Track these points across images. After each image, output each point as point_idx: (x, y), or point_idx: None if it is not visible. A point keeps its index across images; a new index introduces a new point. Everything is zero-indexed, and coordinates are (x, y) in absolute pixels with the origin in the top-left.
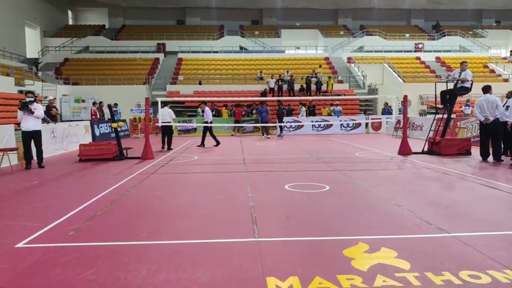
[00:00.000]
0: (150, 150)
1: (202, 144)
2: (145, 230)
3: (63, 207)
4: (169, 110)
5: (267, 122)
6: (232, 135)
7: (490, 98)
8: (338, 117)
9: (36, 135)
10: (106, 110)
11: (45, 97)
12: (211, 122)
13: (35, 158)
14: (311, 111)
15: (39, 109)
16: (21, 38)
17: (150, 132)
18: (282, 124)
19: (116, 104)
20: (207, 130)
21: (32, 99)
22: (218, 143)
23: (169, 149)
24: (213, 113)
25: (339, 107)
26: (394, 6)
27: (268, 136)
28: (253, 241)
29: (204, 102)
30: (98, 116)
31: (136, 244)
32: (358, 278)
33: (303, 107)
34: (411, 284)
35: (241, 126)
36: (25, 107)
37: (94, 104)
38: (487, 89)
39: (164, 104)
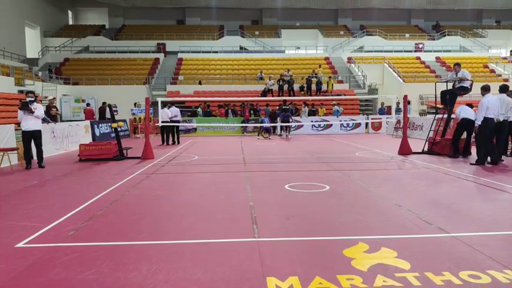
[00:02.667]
0: (150, 150)
1: (178, 141)
2: (145, 230)
3: (63, 207)
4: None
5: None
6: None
7: (505, 98)
8: (338, 117)
9: (36, 135)
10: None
11: (45, 97)
12: (177, 122)
13: (35, 157)
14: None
15: (39, 109)
16: (21, 38)
17: (150, 132)
18: (288, 124)
19: (134, 104)
20: (175, 128)
21: (32, 99)
22: (174, 142)
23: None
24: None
25: (336, 106)
26: (394, 6)
27: (270, 137)
28: (253, 241)
29: (172, 103)
30: (95, 116)
31: (136, 244)
32: (358, 278)
33: (305, 107)
34: (411, 284)
35: (245, 126)
36: (25, 107)
37: (88, 105)
38: (504, 89)
39: (171, 103)
